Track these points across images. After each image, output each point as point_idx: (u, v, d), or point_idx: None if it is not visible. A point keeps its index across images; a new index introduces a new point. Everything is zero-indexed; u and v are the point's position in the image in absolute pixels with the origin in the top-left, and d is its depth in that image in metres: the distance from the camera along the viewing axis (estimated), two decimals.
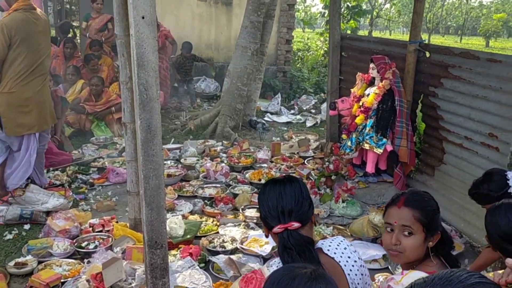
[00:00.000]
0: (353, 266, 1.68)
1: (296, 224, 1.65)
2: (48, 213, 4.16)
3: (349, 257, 1.70)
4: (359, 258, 1.72)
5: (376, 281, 3.30)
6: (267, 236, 1.79)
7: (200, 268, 3.38)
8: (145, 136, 2.42)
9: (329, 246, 1.72)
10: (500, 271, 2.34)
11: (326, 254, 1.69)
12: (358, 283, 1.68)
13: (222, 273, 3.35)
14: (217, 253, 3.63)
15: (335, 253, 1.69)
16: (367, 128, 4.98)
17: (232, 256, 3.48)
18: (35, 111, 4.25)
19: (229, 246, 3.72)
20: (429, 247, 1.74)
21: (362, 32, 18.05)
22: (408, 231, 1.71)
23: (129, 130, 3.54)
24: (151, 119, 2.41)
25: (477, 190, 2.67)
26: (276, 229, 1.66)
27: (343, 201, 4.54)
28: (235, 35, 8.75)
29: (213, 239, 3.85)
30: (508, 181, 2.52)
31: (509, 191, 2.50)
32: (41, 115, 4.31)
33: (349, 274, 1.66)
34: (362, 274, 1.70)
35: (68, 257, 3.56)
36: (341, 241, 1.76)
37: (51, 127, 4.83)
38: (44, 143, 4.57)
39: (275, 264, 1.68)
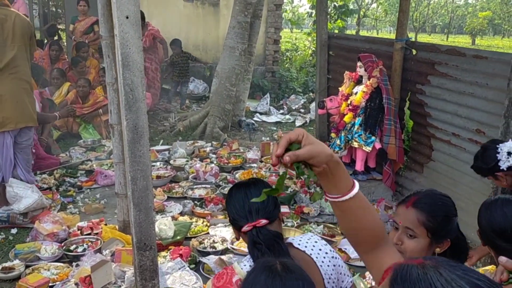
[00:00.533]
0: (324, 258, 1.70)
1: (263, 221, 1.69)
2: (26, 214, 4.08)
3: (320, 250, 1.72)
4: (330, 250, 1.75)
5: (367, 278, 3.31)
6: (237, 239, 1.84)
7: (191, 269, 3.37)
8: (131, 137, 2.40)
9: (300, 240, 1.75)
10: (488, 267, 2.34)
11: (297, 248, 1.72)
12: (331, 274, 1.70)
13: (212, 274, 3.33)
14: (208, 253, 3.61)
15: (306, 246, 1.72)
16: (356, 127, 4.99)
17: (222, 257, 3.46)
18: (9, 108, 4.15)
19: (219, 247, 3.71)
20: (435, 253, 1.67)
21: (350, 32, 18.10)
22: (410, 234, 1.67)
23: (116, 132, 3.51)
24: (138, 119, 2.39)
25: (474, 163, 2.70)
26: (245, 228, 1.70)
27: None
28: (223, 36, 8.72)
29: (203, 239, 3.84)
30: (497, 155, 2.52)
31: (499, 164, 2.51)
32: (16, 112, 4.21)
33: (321, 266, 1.68)
34: (334, 265, 1.72)
35: (56, 261, 3.53)
36: (311, 236, 1.80)
37: (36, 127, 4.75)
38: (26, 139, 4.42)
39: (246, 260, 1.72)
